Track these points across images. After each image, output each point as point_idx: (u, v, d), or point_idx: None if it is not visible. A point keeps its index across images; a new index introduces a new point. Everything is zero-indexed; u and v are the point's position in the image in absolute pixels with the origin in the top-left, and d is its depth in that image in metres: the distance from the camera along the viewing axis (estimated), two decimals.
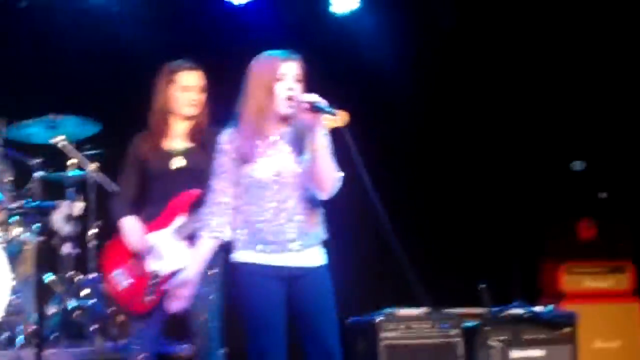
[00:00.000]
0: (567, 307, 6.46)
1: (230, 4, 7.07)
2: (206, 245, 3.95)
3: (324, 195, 3.86)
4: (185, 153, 4.50)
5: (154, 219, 4.48)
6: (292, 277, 3.90)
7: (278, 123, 3.89)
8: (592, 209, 7.19)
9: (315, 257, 3.93)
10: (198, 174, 4.27)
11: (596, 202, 7.20)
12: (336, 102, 3.75)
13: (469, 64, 7.10)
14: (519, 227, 6.24)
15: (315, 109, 3.73)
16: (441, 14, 7.20)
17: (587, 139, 6.96)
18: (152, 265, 4.44)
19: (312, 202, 3.89)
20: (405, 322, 5.61)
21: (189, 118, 4.53)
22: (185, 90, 4.49)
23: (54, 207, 5.78)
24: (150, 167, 4.51)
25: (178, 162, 4.49)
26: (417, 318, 5.66)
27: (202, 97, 4.53)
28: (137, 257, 4.45)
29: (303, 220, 3.87)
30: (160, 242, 4.44)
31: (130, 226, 4.46)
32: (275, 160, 3.88)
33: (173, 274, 4.24)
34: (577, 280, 6.96)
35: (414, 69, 7.16)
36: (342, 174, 3.86)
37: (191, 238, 4.29)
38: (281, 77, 3.84)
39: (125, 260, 4.48)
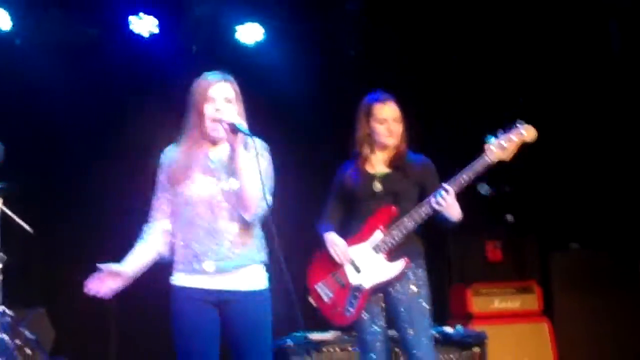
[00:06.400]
0: (477, 327, 6.54)
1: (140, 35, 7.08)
2: (144, 255, 3.96)
3: (247, 216, 3.85)
4: (385, 177, 4.67)
5: (353, 235, 4.65)
6: (224, 301, 3.89)
7: (211, 144, 3.94)
8: (498, 231, 7.34)
9: (248, 280, 3.91)
10: (396, 195, 4.62)
11: (502, 224, 7.34)
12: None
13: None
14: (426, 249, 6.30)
15: (234, 129, 3.82)
16: (346, 42, 7.30)
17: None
18: (353, 279, 4.60)
19: (244, 224, 3.88)
20: (316, 347, 5.70)
21: (388, 146, 4.72)
22: (383, 122, 4.68)
23: None
24: (354, 188, 4.70)
25: (379, 186, 4.65)
26: (327, 342, 5.74)
27: (399, 127, 4.70)
28: (338, 271, 4.63)
29: (234, 241, 3.87)
30: (360, 255, 4.61)
31: (334, 239, 4.64)
32: (207, 181, 3.90)
33: (374, 288, 4.54)
34: (485, 301, 7.06)
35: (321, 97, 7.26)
36: (268, 197, 3.87)
37: (390, 253, 4.55)
38: (210, 98, 3.90)
39: (327, 274, 4.66)
